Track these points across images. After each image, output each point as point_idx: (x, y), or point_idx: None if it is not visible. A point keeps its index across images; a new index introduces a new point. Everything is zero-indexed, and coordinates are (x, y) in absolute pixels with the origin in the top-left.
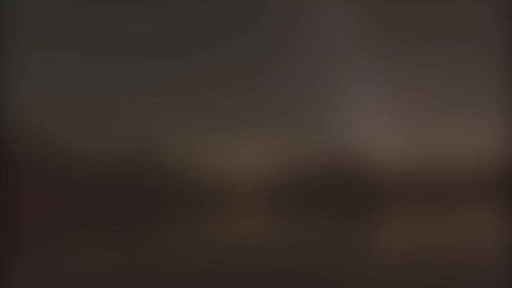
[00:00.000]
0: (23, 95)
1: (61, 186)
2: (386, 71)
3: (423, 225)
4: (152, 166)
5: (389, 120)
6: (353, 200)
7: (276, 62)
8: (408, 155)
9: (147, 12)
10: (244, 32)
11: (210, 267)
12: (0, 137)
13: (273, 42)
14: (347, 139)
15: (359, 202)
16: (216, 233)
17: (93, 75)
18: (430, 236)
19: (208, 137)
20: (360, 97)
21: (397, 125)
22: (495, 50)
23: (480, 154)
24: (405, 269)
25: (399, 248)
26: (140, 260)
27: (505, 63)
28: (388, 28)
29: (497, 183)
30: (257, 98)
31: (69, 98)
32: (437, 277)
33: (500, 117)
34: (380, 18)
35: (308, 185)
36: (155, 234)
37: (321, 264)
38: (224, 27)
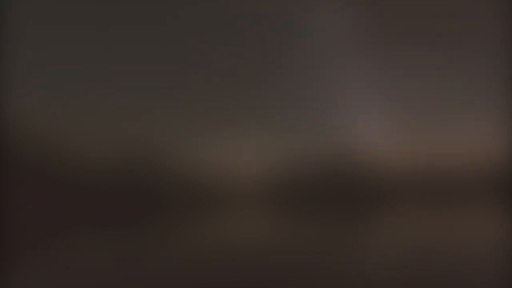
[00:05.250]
0: (23, 95)
1: (61, 186)
2: (387, 72)
3: (423, 224)
4: (152, 166)
5: (389, 120)
6: (353, 200)
7: (276, 63)
8: (408, 156)
9: (148, 15)
10: (244, 34)
11: (210, 267)
12: (0, 137)
13: (273, 44)
14: (347, 140)
15: (359, 202)
16: (216, 233)
17: (94, 76)
18: (430, 235)
19: (208, 137)
20: (360, 98)
21: (397, 125)
22: (495, 51)
23: (480, 154)
24: (404, 268)
25: (399, 248)
26: (140, 259)
27: (505, 63)
28: (388, 30)
29: (497, 183)
30: (257, 99)
31: (69, 99)
32: (437, 276)
33: (500, 117)
34: (379, 19)
35: (308, 185)
36: (155, 233)
37: (321, 263)
38: (222, 29)
